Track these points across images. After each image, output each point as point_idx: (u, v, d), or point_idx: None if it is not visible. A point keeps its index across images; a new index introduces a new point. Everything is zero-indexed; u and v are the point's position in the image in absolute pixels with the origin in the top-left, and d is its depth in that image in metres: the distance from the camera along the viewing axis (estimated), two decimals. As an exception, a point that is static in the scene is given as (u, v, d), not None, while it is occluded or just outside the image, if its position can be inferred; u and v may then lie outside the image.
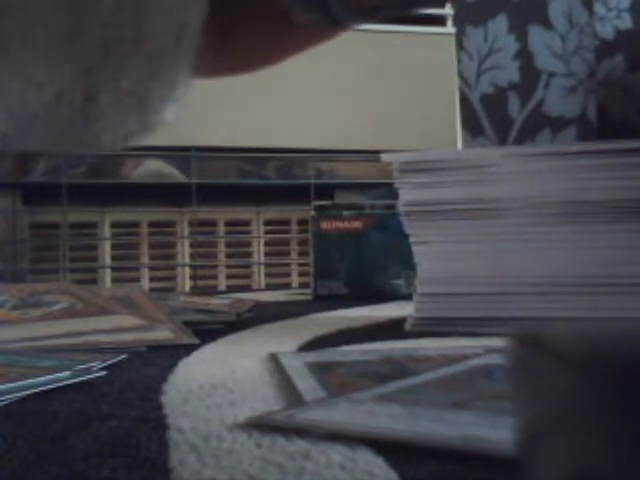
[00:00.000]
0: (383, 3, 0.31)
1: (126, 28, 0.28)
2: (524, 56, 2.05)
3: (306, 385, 0.47)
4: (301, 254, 1.65)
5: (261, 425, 0.38)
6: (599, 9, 2.00)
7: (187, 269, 1.60)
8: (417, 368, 0.51)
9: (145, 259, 1.59)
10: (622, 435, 0.18)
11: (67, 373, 0.50)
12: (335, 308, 0.98)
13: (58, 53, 0.27)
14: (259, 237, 1.65)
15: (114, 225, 1.58)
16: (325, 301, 1.10)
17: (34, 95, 0.28)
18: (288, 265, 1.67)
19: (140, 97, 0.30)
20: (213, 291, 1.51)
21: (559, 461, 0.21)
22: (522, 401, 0.23)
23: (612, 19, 2.05)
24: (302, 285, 1.57)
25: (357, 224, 1.15)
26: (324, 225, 1.16)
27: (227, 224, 1.65)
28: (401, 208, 0.78)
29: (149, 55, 0.28)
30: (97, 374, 0.52)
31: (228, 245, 1.65)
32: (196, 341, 0.68)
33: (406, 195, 0.77)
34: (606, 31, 2.02)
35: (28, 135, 0.30)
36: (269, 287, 1.60)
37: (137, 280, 1.58)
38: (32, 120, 0.29)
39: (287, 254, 1.68)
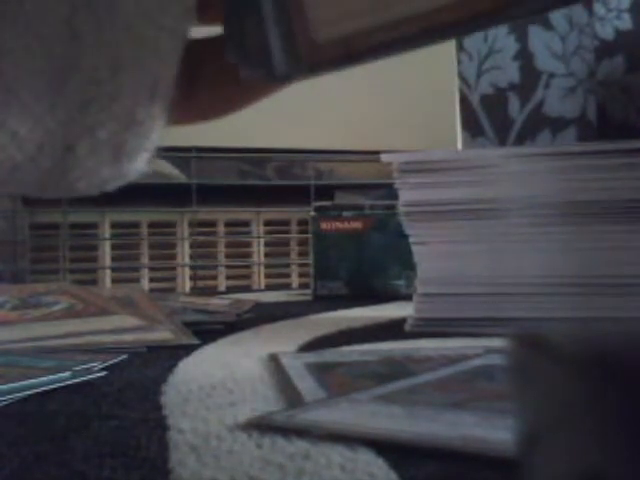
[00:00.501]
0: (347, 52, 0.31)
1: (104, 84, 0.29)
2: (524, 56, 2.05)
3: (306, 385, 0.47)
4: (301, 254, 1.65)
5: (261, 425, 0.38)
6: (599, 10, 2.00)
7: (187, 269, 1.60)
8: (417, 368, 0.51)
9: (145, 259, 1.59)
10: (622, 435, 0.18)
11: (67, 373, 0.50)
12: (335, 308, 0.98)
13: (41, 108, 0.29)
14: (259, 237, 1.65)
15: (114, 225, 1.58)
16: (325, 301, 1.10)
17: (16, 148, 0.29)
18: (288, 265, 1.67)
19: (115, 147, 0.31)
20: (213, 291, 1.51)
21: (559, 461, 0.21)
22: (522, 401, 0.23)
23: (612, 20, 2.05)
24: (302, 285, 1.57)
25: (357, 224, 1.15)
26: (324, 225, 1.16)
27: (227, 224, 1.65)
28: (401, 208, 0.78)
29: (125, 108, 0.30)
30: (97, 374, 0.52)
31: (228, 245, 1.65)
32: (196, 341, 0.68)
33: (406, 195, 0.77)
34: (606, 31, 2.02)
35: (11, 183, 0.32)
36: (269, 287, 1.60)
37: (137, 280, 1.58)
38: (14, 170, 0.30)
39: (287, 255, 1.68)
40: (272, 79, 0.32)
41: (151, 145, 0.32)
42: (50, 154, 0.30)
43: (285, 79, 0.32)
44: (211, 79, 0.34)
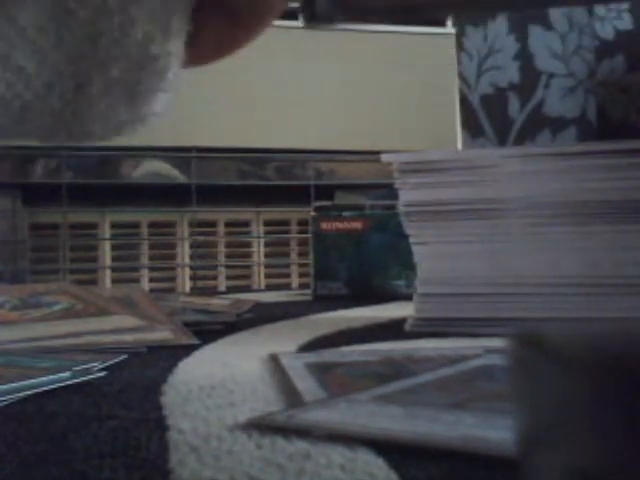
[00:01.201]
0: (379, 4, 0.31)
1: (114, 16, 0.28)
2: (524, 56, 2.05)
3: (306, 386, 0.47)
4: (301, 255, 1.65)
5: (261, 426, 0.38)
6: (599, 9, 2.00)
7: (187, 269, 1.60)
8: (417, 368, 0.51)
9: (145, 260, 1.59)
10: (621, 434, 0.18)
11: (67, 374, 0.50)
12: (335, 309, 0.98)
13: (47, 42, 0.27)
14: (259, 238, 1.65)
15: (114, 226, 1.58)
16: (325, 302, 1.10)
17: (24, 85, 0.28)
18: (288, 266, 1.67)
19: (130, 86, 0.30)
20: (213, 292, 1.51)
21: (558, 461, 0.21)
22: (522, 401, 0.23)
23: (612, 19, 2.05)
24: (302, 286, 1.57)
25: (357, 225, 1.15)
26: (324, 226, 1.16)
27: (227, 225, 1.65)
28: (401, 208, 0.78)
29: (138, 43, 0.29)
30: (97, 375, 0.52)
31: (228, 246, 1.65)
32: (196, 342, 0.68)
33: (406, 195, 0.77)
34: (606, 31, 2.02)
35: (22, 125, 0.30)
36: (269, 288, 1.60)
37: (137, 280, 1.58)
38: (25, 110, 0.29)
39: (287, 255, 1.68)
40: (314, 21, 0.32)
41: (168, 85, 0.31)
42: (60, 93, 0.28)
43: (326, 22, 0.31)
44: (213, 21, 0.32)
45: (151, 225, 1.60)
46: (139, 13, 0.28)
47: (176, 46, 0.30)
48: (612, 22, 1.98)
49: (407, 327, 0.76)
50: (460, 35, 1.84)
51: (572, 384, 0.19)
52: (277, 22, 0.34)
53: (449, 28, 1.72)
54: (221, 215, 1.64)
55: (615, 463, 0.18)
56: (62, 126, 0.30)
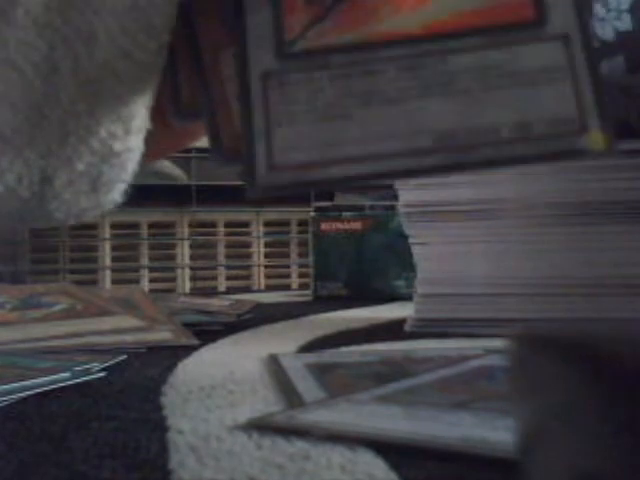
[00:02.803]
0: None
1: (82, 117, 0.31)
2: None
3: (306, 386, 0.47)
4: (301, 255, 1.65)
5: (261, 426, 0.38)
6: (599, 10, 2.00)
7: (187, 270, 1.60)
8: (417, 369, 0.51)
9: (145, 260, 1.59)
10: (622, 434, 0.18)
11: (67, 374, 0.50)
12: (335, 309, 0.98)
13: (21, 141, 0.30)
14: (259, 238, 1.65)
15: (114, 226, 1.58)
16: (325, 302, 1.10)
17: None
18: (288, 266, 1.67)
19: (93, 179, 0.33)
20: (213, 292, 1.51)
21: (559, 461, 0.21)
22: (522, 401, 0.23)
23: (612, 20, 2.05)
24: (302, 286, 1.57)
25: (357, 225, 1.15)
26: (324, 226, 1.16)
27: (227, 225, 1.65)
28: (401, 209, 0.78)
29: (102, 141, 0.31)
30: (97, 375, 0.52)
31: (228, 246, 1.65)
32: (196, 342, 0.68)
33: (406, 196, 0.77)
34: (606, 32, 2.02)
35: None
36: (269, 288, 1.60)
37: (137, 281, 1.58)
38: None
39: (287, 255, 1.68)
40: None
41: (128, 176, 0.34)
42: (29, 185, 0.31)
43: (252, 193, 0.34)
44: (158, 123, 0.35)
45: (151, 226, 1.60)
46: (104, 115, 0.30)
47: (137, 143, 0.32)
48: (612, 23, 1.98)
49: (407, 327, 0.76)
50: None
51: (572, 383, 0.19)
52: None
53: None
54: (221, 215, 1.64)
55: (616, 463, 0.18)
56: (28, 214, 0.33)
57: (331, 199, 1.61)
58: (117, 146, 0.31)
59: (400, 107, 0.31)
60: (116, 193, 0.35)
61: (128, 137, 0.32)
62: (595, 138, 0.30)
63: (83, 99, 0.30)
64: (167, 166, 1.56)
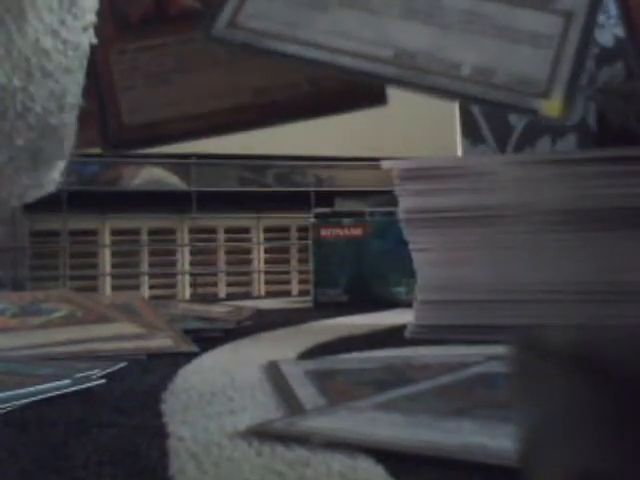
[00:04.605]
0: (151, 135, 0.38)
1: (17, 95, 0.32)
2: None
3: (306, 393, 0.47)
4: (301, 261, 1.65)
5: (261, 433, 0.38)
6: (599, 17, 2.00)
7: (187, 276, 1.60)
8: (417, 376, 0.51)
9: (145, 266, 1.59)
10: (623, 438, 0.18)
11: (67, 381, 0.50)
12: (335, 316, 0.98)
13: None
14: (259, 244, 1.65)
15: (114, 232, 1.58)
16: (325, 309, 1.10)
17: None
18: (288, 272, 1.67)
19: (33, 154, 0.34)
20: (213, 299, 1.51)
21: (561, 464, 0.21)
22: (523, 407, 0.23)
23: (611, 27, 2.05)
24: (302, 293, 1.57)
25: (357, 231, 1.15)
26: (324, 232, 1.16)
27: (227, 231, 1.65)
28: (401, 215, 0.78)
29: (38, 116, 0.33)
30: (97, 382, 0.52)
31: (228, 252, 1.65)
32: (196, 349, 0.68)
33: (406, 202, 0.77)
34: (605, 39, 2.02)
35: None
36: (269, 294, 1.60)
37: (137, 287, 1.58)
38: None
39: (287, 261, 1.68)
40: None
41: (65, 153, 0.35)
42: None
43: (107, 152, 0.36)
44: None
45: (151, 232, 1.60)
46: (38, 92, 0.31)
47: (70, 119, 0.34)
48: (612, 29, 1.98)
49: (407, 334, 0.76)
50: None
51: (573, 387, 0.19)
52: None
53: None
54: (221, 222, 1.64)
55: (618, 465, 0.18)
56: None
57: (331, 205, 1.61)
58: (52, 121, 0.32)
59: (377, 18, 0.32)
60: (56, 172, 0.36)
61: (62, 113, 0.32)
62: (553, 105, 0.31)
63: (17, 77, 0.31)
64: (163, 174, 1.56)
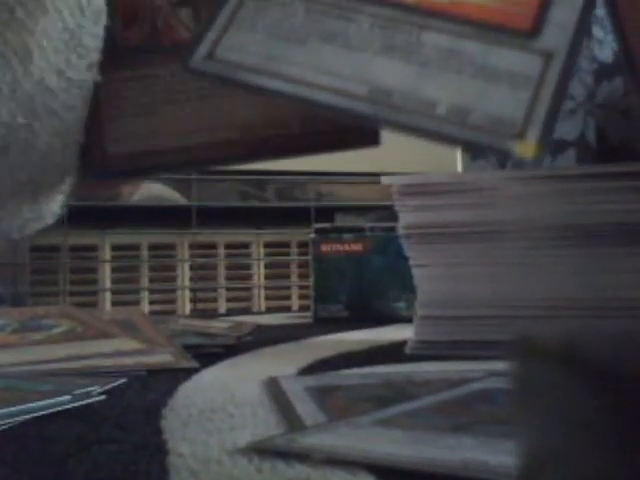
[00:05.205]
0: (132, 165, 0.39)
1: (21, 130, 0.33)
2: (523, 79, 2.05)
3: (306, 409, 0.47)
4: (301, 277, 1.65)
5: (261, 450, 0.38)
6: (597, 32, 2.01)
7: (187, 292, 1.60)
8: (417, 392, 0.51)
9: (145, 282, 1.59)
10: (627, 443, 0.17)
11: (67, 397, 0.50)
12: (335, 331, 0.98)
13: None
14: (259, 260, 1.65)
15: (114, 248, 1.58)
16: (325, 324, 1.10)
17: None
18: (288, 288, 1.67)
19: (34, 188, 0.35)
20: (213, 314, 1.50)
21: (563, 476, 0.20)
22: (524, 420, 0.23)
23: (611, 42, 2.06)
24: (302, 308, 1.57)
25: (357, 247, 1.15)
26: (324, 248, 1.16)
27: (227, 247, 1.65)
28: (401, 231, 0.78)
29: (40, 153, 0.34)
30: (97, 398, 0.52)
31: (228, 268, 1.65)
32: (196, 365, 0.68)
33: (406, 218, 0.77)
34: (605, 54, 2.03)
35: None
36: (269, 310, 1.60)
37: (137, 303, 1.58)
38: None
39: (287, 277, 1.68)
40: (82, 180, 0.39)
41: (66, 188, 0.36)
42: None
43: (88, 181, 0.36)
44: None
45: (151, 247, 1.60)
46: (42, 129, 0.32)
47: (73, 153, 0.34)
48: (611, 45, 1.99)
49: (407, 350, 0.76)
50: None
51: (576, 399, 0.19)
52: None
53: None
54: (221, 237, 1.64)
55: (622, 472, 0.18)
56: None
57: (331, 220, 1.61)
58: (55, 157, 0.33)
59: (355, 54, 0.32)
60: (56, 205, 0.36)
61: (65, 148, 0.33)
62: (527, 147, 0.31)
63: (21, 114, 0.31)
64: (165, 190, 1.57)
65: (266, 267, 1.66)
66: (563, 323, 0.71)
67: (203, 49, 0.32)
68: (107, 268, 1.57)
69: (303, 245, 1.62)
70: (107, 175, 0.34)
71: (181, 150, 0.34)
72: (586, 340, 0.21)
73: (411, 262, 0.78)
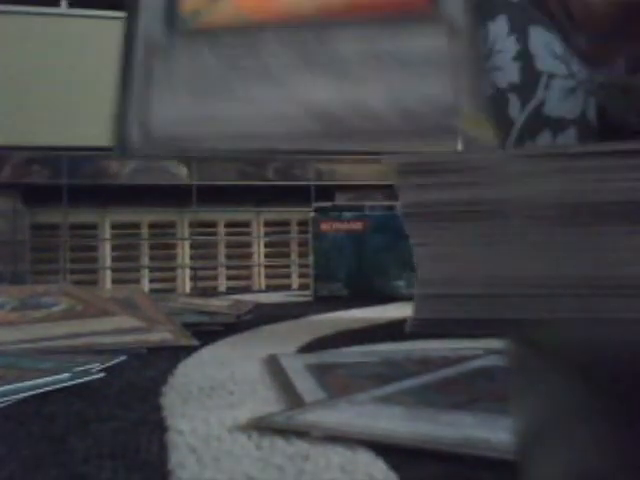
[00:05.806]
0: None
1: None
2: (525, 57, 2.05)
3: (306, 386, 0.47)
4: (301, 255, 1.65)
5: (261, 427, 0.38)
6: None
7: (187, 270, 1.60)
8: (417, 369, 0.51)
9: (145, 260, 1.59)
10: (621, 434, 0.18)
11: (66, 375, 0.50)
12: (335, 309, 0.98)
13: None
14: (259, 238, 1.65)
15: (114, 226, 1.58)
16: (325, 302, 1.10)
17: None
18: (288, 266, 1.67)
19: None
20: (213, 292, 1.51)
21: (559, 461, 0.21)
22: (521, 401, 0.23)
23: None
24: (302, 286, 1.57)
25: (357, 225, 1.15)
26: (324, 226, 1.16)
27: (227, 225, 1.65)
28: (401, 209, 0.78)
29: None
30: (96, 376, 0.52)
31: (228, 246, 1.65)
32: (196, 343, 0.68)
33: (406, 196, 0.77)
34: (606, 32, 2.01)
35: None
36: (269, 288, 1.60)
37: (137, 281, 1.58)
38: None
39: (287, 255, 1.68)
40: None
41: None
42: None
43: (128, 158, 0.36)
44: None
45: (151, 225, 1.60)
46: None
47: None
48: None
49: (407, 328, 0.76)
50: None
51: (570, 384, 0.19)
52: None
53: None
54: (221, 215, 1.64)
55: (615, 463, 0.18)
56: None
57: (331, 199, 1.61)
58: None
59: (285, 86, 0.32)
60: None
61: None
62: (467, 119, 0.31)
63: None
64: (172, 165, 1.56)
65: (266, 245, 1.66)
66: (555, 318, 0.71)
67: (136, 133, 0.32)
68: (107, 246, 1.57)
69: (303, 224, 1.62)
70: (146, 157, 0.33)
71: (248, 136, 0.33)
72: (586, 337, 0.21)
73: (411, 241, 0.78)
